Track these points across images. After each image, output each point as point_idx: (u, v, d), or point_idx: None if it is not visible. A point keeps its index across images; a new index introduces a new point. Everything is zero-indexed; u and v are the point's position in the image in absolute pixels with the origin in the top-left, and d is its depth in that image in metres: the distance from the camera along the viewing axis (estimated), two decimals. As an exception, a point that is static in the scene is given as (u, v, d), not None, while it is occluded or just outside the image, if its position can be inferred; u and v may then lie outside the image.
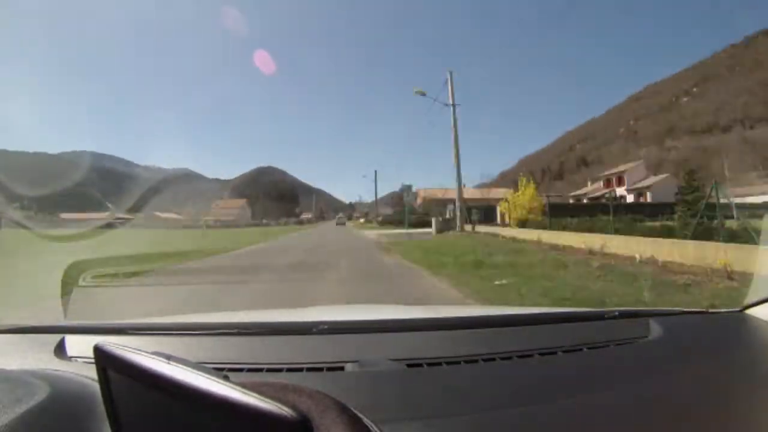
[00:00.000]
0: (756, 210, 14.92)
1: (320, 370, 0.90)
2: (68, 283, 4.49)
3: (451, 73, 22.05)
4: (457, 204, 21.01)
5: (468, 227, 20.57)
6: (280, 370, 0.89)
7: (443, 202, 34.72)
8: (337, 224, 54.21)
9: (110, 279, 6.13)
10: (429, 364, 0.92)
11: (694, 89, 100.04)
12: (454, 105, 21.98)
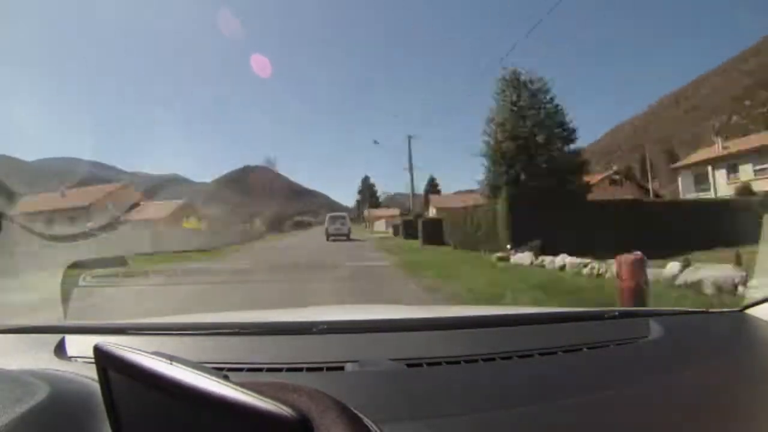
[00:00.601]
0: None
1: (320, 370, 0.89)
2: (68, 283, 4.48)
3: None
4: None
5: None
6: (279, 370, 0.89)
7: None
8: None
9: (110, 279, 6.14)
10: (429, 364, 0.92)
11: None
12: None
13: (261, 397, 0.42)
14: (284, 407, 0.41)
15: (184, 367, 0.47)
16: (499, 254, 11.20)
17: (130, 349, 0.51)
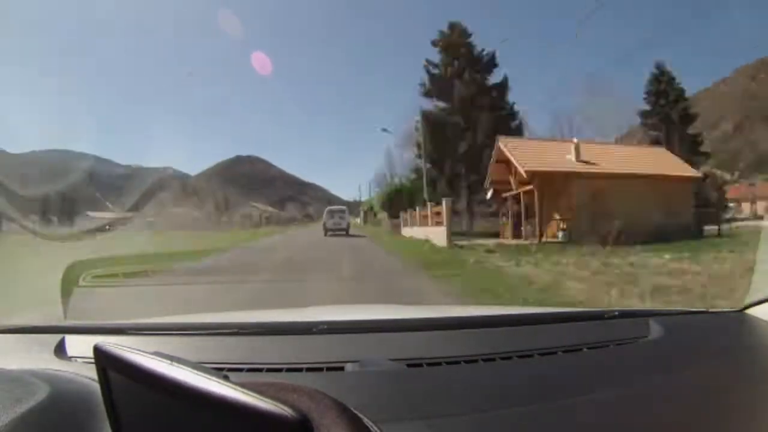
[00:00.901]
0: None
1: (320, 370, 0.89)
2: (68, 284, 4.47)
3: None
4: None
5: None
6: (280, 370, 0.89)
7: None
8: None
9: (110, 279, 6.13)
10: (429, 364, 0.92)
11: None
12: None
13: (261, 398, 0.42)
14: (284, 407, 0.41)
15: (184, 367, 0.47)
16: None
17: (130, 349, 0.51)
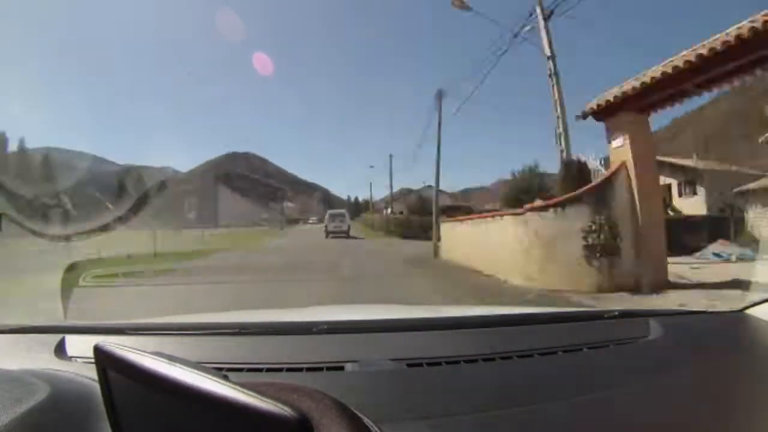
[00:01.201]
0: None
1: (320, 370, 0.89)
2: (68, 284, 4.47)
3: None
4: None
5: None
6: (280, 370, 0.89)
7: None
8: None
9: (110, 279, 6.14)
10: (429, 364, 0.92)
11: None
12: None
13: (261, 397, 0.42)
14: (284, 407, 0.41)
15: (184, 367, 0.47)
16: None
17: (130, 349, 0.51)
